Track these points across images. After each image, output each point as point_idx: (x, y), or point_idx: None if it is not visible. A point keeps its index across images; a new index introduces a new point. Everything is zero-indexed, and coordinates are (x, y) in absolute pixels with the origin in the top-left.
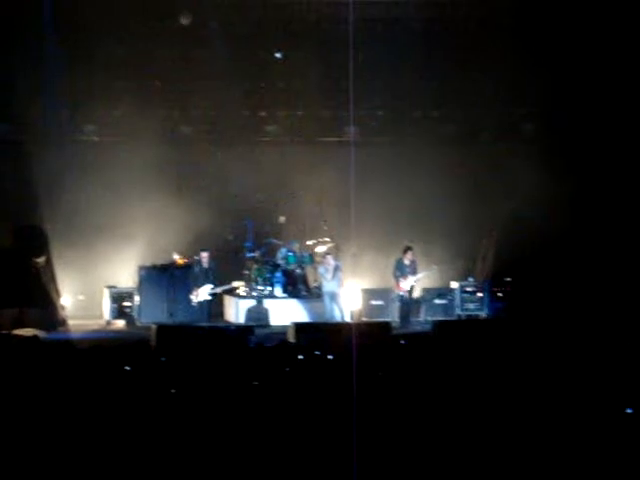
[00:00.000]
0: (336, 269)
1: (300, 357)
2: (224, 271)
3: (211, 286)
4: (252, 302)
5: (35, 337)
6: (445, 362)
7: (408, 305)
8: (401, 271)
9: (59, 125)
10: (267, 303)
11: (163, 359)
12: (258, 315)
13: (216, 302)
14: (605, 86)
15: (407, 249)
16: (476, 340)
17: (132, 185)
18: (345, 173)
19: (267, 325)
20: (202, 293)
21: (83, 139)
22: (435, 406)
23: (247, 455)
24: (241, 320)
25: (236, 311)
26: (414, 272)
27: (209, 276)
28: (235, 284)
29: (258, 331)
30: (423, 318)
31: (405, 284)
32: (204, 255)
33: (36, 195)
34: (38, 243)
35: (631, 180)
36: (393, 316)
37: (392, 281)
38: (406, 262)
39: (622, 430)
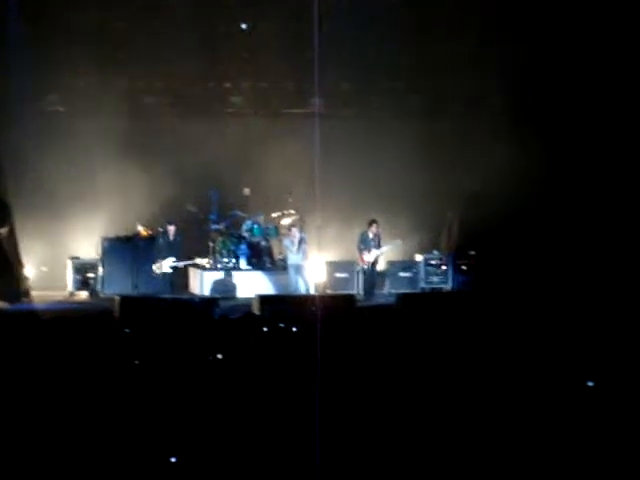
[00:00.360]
0: (301, 241)
1: (265, 329)
2: (189, 244)
3: (173, 259)
4: (218, 274)
5: None
6: (409, 334)
7: (371, 278)
8: (365, 244)
9: (22, 95)
10: (232, 275)
11: (127, 330)
12: (224, 287)
13: (181, 274)
14: (575, 58)
15: (372, 222)
16: (440, 313)
17: (96, 156)
18: (310, 145)
19: (233, 297)
20: (164, 265)
21: (47, 109)
22: (398, 378)
23: (210, 427)
24: (206, 292)
25: (200, 283)
26: (378, 245)
27: (173, 249)
28: (198, 261)
29: (223, 303)
30: (387, 291)
31: (369, 257)
32: (170, 228)
33: None
34: (0, 214)
35: (598, 153)
36: (357, 289)
37: (356, 254)
38: (370, 235)
39: (583, 403)
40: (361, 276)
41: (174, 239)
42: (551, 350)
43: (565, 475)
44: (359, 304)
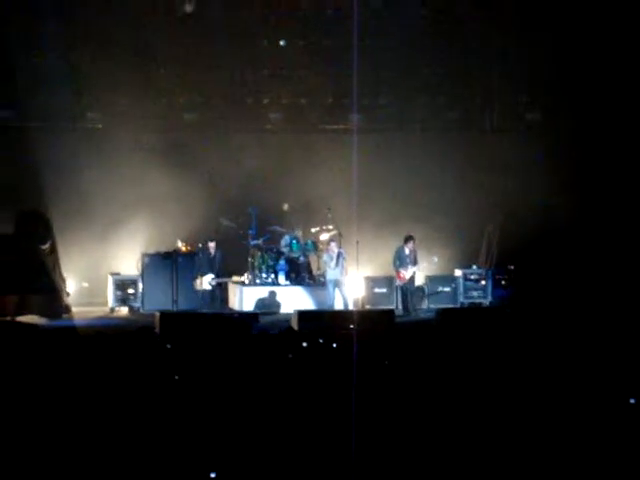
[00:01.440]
0: (339, 256)
1: (304, 344)
2: (229, 259)
3: (212, 276)
4: (258, 290)
5: (35, 326)
6: (447, 350)
7: (409, 294)
8: (401, 260)
9: (63, 112)
10: (271, 291)
11: (168, 346)
12: (269, 302)
13: (221, 289)
14: (610, 77)
15: (408, 238)
16: (479, 328)
17: (136, 172)
18: (349, 160)
19: (276, 312)
20: (204, 282)
21: (87, 127)
22: (437, 394)
23: (249, 442)
24: (245, 307)
25: (240, 298)
26: (414, 262)
27: (214, 265)
28: (235, 279)
29: (262, 318)
30: (427, 306)
31: (405, 273)
32: (211, 244)
33: (40, 182)
34: (42, 230)
35: (636, 171)
36: (396, 304)
37: (393, 270)
38: (407, 251)
39: (625, 420)
40: (399, 293)
41: (214, 255)
42: (592, 366)
43: None
44: (398, 320)
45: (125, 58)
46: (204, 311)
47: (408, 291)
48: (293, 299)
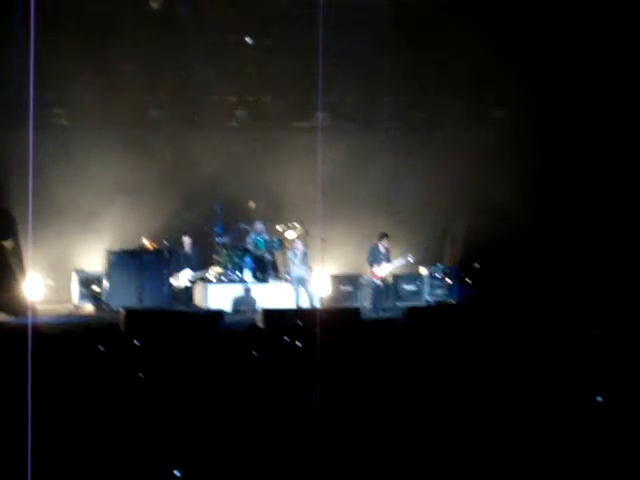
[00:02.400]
0: (304, 254)
1: (268, 343)
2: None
3: (190, 271)
4: (225, 288)
5: None
6: (414, 348)
7: (382, 293)
8: (376, 258)
9: (27, 108)
10: (236, 289)
11: (136, 342)
12: (246, 301)
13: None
14: (578, 71)
15: (382, 236)
16: (445, 326)
17: (101, 169)
18: (314, 159)
19: (254, 311)
20: (182, 278)
21: (52, 122)
22: (402, 392)
23: (213, 440)
24: (212, 305)
25: (205, 296)
26: (388, 259)
27: (190, 261)
28: (212, 270)
29: (227, 316)
30: (392, 304)
31: (380, 271)
32: (186, 240)
33: (3, 178)
34: (5, 226)
35: (604, 169)
36: (362, 302)
37: (367, 268)
38: (381, 249)
39: (591, 418)
40: (369, 290)
41: (190, 251)
42: (558, 365)
43: None
44: (365, 318)
45: (91, 54)
46: (170, 308)
47: (381, 290)
48: (258, 297)
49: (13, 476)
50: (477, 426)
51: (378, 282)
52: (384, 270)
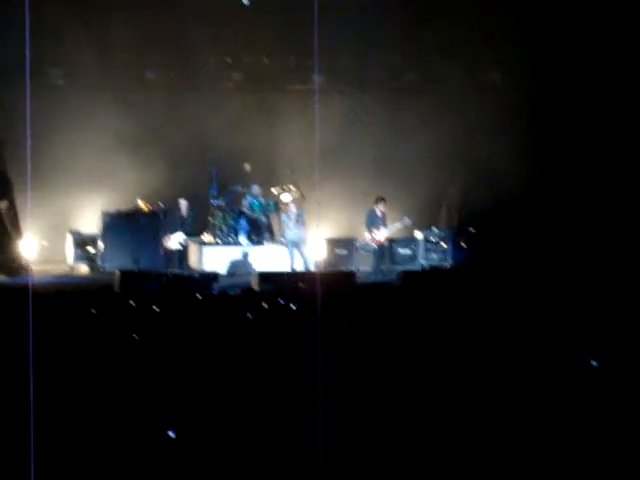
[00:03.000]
0: (298, 217)
1: (264, 305)
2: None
3: (183, 235)
4: (220, 250)
5: None
6: (409, 311)
7: (380, 256)
8: (374, 222)
9: (23, 68)
10: (231, 251)
11: (132, 303)
12: (234, 263)
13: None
14: (575, 37)
15: (379, 199)
16: (440, 290)
17: (97, 130)
18: (311, 121)
19: (249, 274)
20: (173, 241)
21: (48, 83)
22: (397, 356)
23: (208, 403)
24: (207, 267)
25: (200, 258)
26: (385, 223)
27: (185, 225)
28: (204, 238)
29: (222, 279)
30: (389, 268)
31: (379, 235)
32: (183, 203)
33: None
34: (0, 187)
35: (600, 134)
36: (357, 265)
37: (364, 232)
38: (378, 213)
39: (586, 383)
40: (369, 255)
41: (186, 214)
42: (552, 330)
43: (566, 461)
44: (360, 281)
45: (87, 15)
46: (165, 271)
47: (381, 253)
48: (254, 260)
49: (13, 430)
50: (471, 392)
51: (376, 246)
52: (382, 234)
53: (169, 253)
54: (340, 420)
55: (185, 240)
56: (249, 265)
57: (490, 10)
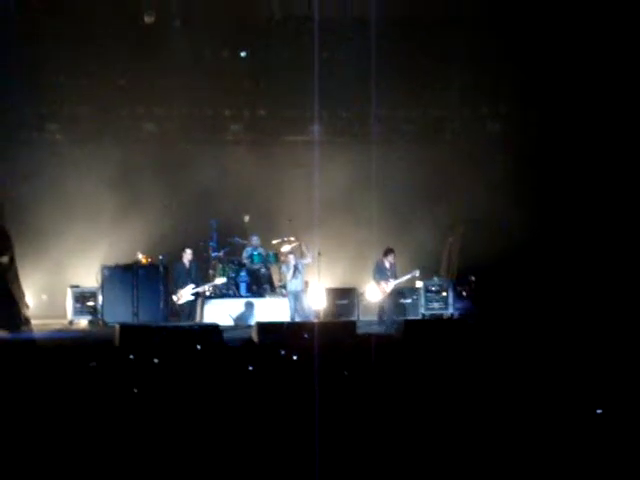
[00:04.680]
0: (296, 268)
1: (264, 357)
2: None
3: (193, 285)
4: (221, 302)
5: None
6: (411, 361)
7: (389, 308)
8: (381, 274)
9: (21, 123)
10: (232, 303)
11: (131, 357)
12: (235, 315)
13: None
14: (572, 86)
15: (388, 251)
16: (442, 339)
17: (95, 184)
18: (310, 172)
19: (249, 326)
20: (185, 293)
21: (46, 137)
22: (400, 405)
23: (209, 455)
24: (207, 319)
25: (201, 311)
26: (394, 275)
27: (191, 275)
28: (217, 281)
29: (224, 331)
30: (388, 318)
31: (387, 287)
32: (188, 252)
33: None
34: (0, 242)
35: (600, 182)
36: (358, 315)
37: (373, 284)
38: (387, 264)
39: (592, 431)
40: (381, 307)
41: (190, 266)
42: (556, 377)
43: None
44: (359, 332)
45: (85, 68)
46: (165, 324)
47: (391, 305)
48: (254, 311)
49: None
50: (475, 439)
51: (384, 297)
52: (391, 286)
53: (179, 307)
54: (336, 471)
55: (195, 289)
56: (249, 317)
57: (487, 59)
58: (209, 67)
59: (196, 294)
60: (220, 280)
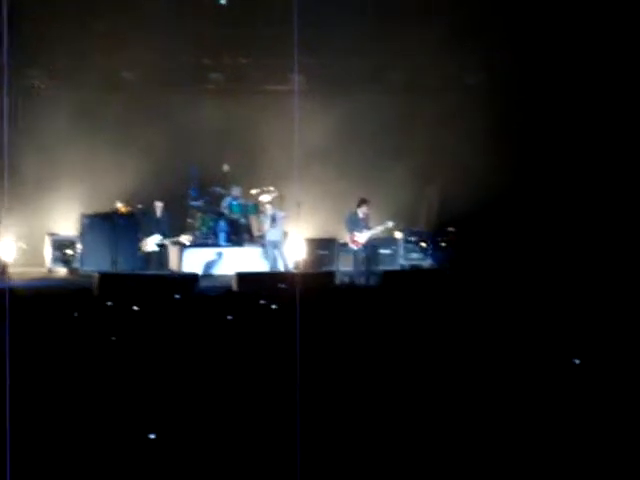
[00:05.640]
0: (274, 218)
1: (243, 306)
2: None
3: (160, 237)
4: (200, 251)
5: None
6: (390, 311)
7: (364, 259)
8: (355, 224)
9: (1, 68)
10: (211, 252)
11: (109, 304)
12: (210, 264)
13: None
14: (554, 34)
15: (362, 202)
16: (421, 290)
17: (74, 131)
18: (290, 122)
19: (217, 275)
20: (150, 243)
21: (25, 84)
22: (378, 355)
23: (188, 404)
24: (187, 269)
25: (179, 259)
26: (367, 226)
27: (160, 226)
28: (183, 238)
29: (202, 280)
30: (367, 268)
31: (360, 238)
32: (158, 205)
33: None
34: None
35: (579, 133)
36: (337, 266)
37: (345, 235)
38: (360, 215)
39: (569, 381)
40: (352, 258)
41: (161, 216)
42: (534, 328)
43: (553, 455)
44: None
45: (64, 17)
46: (144, 272)
47: (362, 256)
48: (233, 261)
49: None
50: (453, 390)
51: (358, 249)
52: (364, 237)
53: (147, 255)
54: (318, 421)
55: (161, 241)
56: (228, 266)
57: (472, 11)
58: (189, 14)
59: (161, 245)
60: (185, 238)
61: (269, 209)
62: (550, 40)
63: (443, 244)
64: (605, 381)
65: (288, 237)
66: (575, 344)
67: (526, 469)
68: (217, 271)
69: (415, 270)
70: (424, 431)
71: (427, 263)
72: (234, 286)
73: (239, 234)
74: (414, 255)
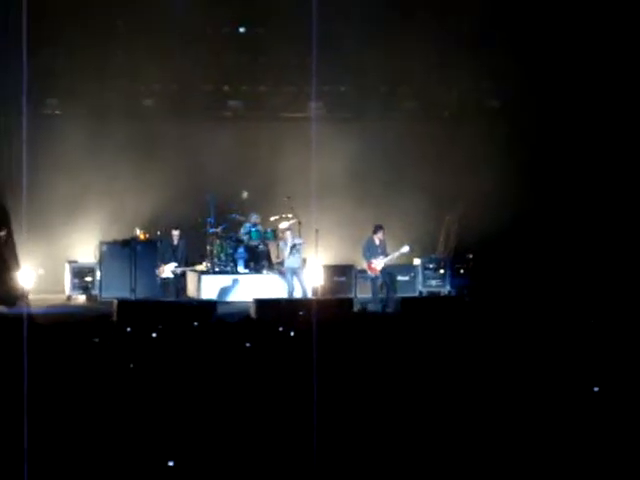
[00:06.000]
0: (293, 245)
1: (261, 333)
2: (190, 248)
3: (175, 264)
4: (218, 278)
5: None
6: (408, 338)
7: (381, 286)
8: (371, 251)
9: (21, 98)
10: (229, 279)
11: (128, 329)
12: (228, 291)
13: (183, 278)
14: (571, 62)
15: (377, 228)
16: (439, 316)
17: (94, 160)
18: (308, 148)
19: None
20: (166, 270)
21: (45, 113)
22: (397, 382)
23: (208, 431)
24: (205, 296)
25: (198, 287)
26: (384, 252)
27: (176, 254)
28: (198, 268)
29: (220, 307)
30: (385, 295)
31: (377, 264)
32: (175, 233)
33: None
34: None
35: (600, 160)
36: (355, 293)
37: (363, 262)
38: (376, 242)
39: (589, 408)
40: (370, 285)
41: (177, 244)
42: (553, 355)
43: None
44: (361, 308)
45: (84, 44)
46: (162, 299)
47: (380, 281)
48: (252, 288)
49: (9, 467)
50: (472, 417)
51: (374, 275)
52: (380, 263)
53: (164, 282)
54: (335, 449)
55: (177, 268)
56: (247, 292)
57: (491, 38)
58: (208, 43)
59: (176, 273)
60: (201, 267)
61: (288, 236)
62: (568, 64)
63: (462, 271)
64: (624, 409)
65: (306, 264)
66: (595, 372)
67: None
68: (234, 298)
69: (433, 297)
70: (441, 461)
71: (445, 290)
72: (252, 313)
73: (258, 261)
74: (432, 282)
